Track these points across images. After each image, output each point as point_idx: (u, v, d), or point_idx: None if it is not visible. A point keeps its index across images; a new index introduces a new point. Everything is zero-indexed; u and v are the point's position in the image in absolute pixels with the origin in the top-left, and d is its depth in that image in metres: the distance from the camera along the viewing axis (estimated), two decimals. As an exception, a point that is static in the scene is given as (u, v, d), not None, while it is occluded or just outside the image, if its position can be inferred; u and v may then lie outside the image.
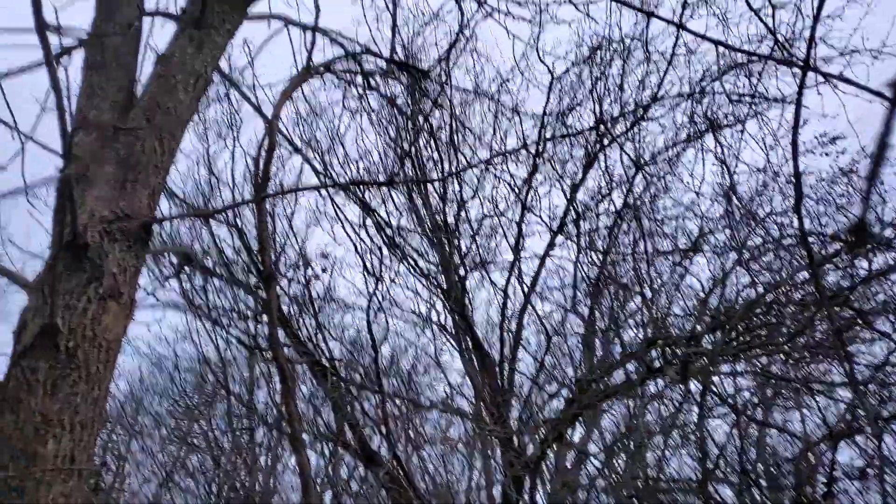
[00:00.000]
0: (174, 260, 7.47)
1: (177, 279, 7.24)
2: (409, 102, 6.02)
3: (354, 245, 8.01)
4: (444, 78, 6.12)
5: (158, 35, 3.54)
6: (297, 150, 7.20)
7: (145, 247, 2.52)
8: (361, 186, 7.42)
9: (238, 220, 7.24)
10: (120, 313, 2.36)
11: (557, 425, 7.36)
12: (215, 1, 3.03)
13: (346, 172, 7.82)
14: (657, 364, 7.00)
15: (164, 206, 7.81)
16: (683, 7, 5.60)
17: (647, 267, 7.63)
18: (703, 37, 3.71)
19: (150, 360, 12.81)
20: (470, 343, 8.82)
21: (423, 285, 9.10)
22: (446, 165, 7.85)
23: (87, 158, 2.44)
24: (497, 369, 8.62)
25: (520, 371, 8.84)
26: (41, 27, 2.10)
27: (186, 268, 6.72)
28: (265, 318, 7.93)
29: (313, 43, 3.87)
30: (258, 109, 4.24)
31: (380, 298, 8.03)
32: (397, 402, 8.83)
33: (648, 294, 7.74)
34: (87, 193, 2.45)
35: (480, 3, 5.41)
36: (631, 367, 7.76)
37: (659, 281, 7.98)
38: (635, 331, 8.60)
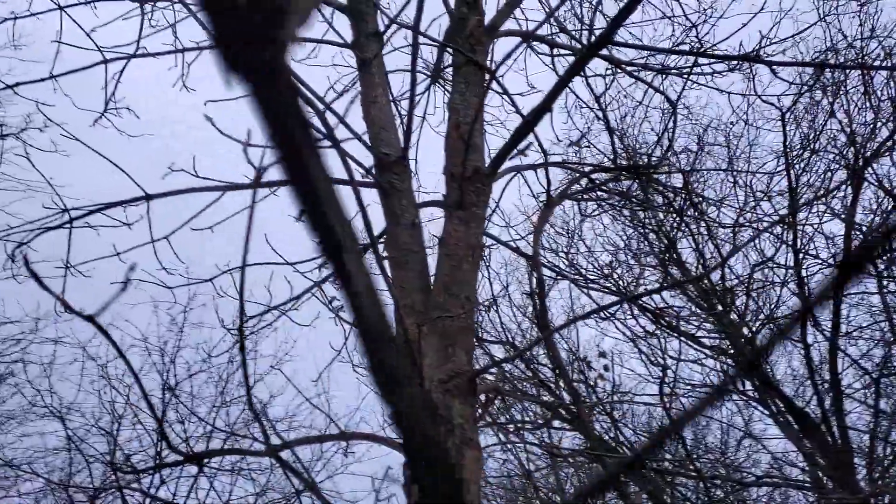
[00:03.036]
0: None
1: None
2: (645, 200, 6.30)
3: (632, 339, 8.21)
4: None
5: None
6: (562, 275, 7.77)
7: (475, 396, 3.10)
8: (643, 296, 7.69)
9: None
10: (476, 456, 2.91)
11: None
12: (469, 183, 3.73)
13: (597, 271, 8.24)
14: None
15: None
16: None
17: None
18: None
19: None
20: (781, 405, 8.25)
21: (710, 356, 8.85)
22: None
23: (415, 336, 3.13)
24: (823, 427, 7.90)
25: (851, 426, 7.98)
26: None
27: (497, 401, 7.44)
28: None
29: (548, 179, 4.43)
30: (517, 251, 4.88)
31: (669, 383, 8.00)
32: (717, 482, 8.44)
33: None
34: (421, 364, 3.12)
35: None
36: None
37: None
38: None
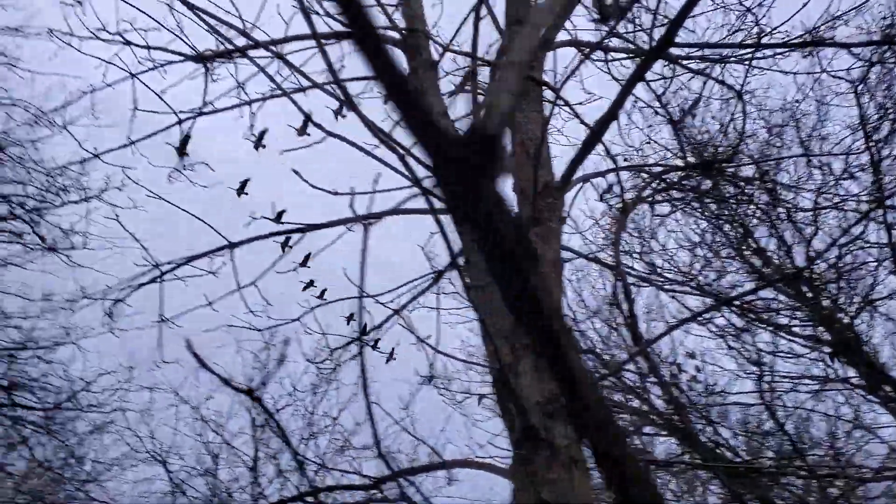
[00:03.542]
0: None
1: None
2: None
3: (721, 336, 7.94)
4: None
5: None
6: (646, 280, 7.63)
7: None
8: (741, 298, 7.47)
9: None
10: (584, 476, 2.88)
11: None
12: (541, 198, 3.73)
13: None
14: None
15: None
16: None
17: None
18: None
19: None
20: (891, 390, 7.79)
21: (806, 346, 8.47)
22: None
23: (509, 359, 3.13)
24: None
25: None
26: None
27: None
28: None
29: (621, 186, 4.37)
30: (598, 261, 4.84)
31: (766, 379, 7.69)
32: (830, 479, 8.00)
33: None
34: (519, 385, 3.11)
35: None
36: None
37: None
38: None
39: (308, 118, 4.32)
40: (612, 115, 3.67)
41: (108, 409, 10.62)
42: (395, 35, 5.08)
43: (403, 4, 5.24)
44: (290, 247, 4.99)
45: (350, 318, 5.36)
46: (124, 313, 6.01)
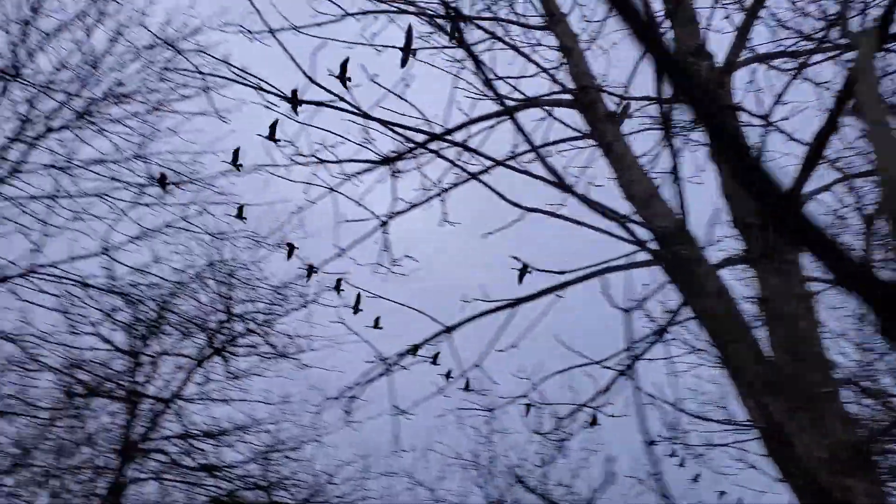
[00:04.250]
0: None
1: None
2: None
3: None
4: None
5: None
6: None
7: (871, 468, 2.68)
8: None
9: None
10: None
11: None
12: (775, 236, 3.43)
13: None
14: None
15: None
16: None
17: None
18: None
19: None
20: None
21: None
22: None
23: (782, 418, 2.83)
24: None
25: None
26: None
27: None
28: None
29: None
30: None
31: None
32: None
33: None
34: (798, 442, 2.80)
35: None
36: None
37: None
38: None
39: (503, 198, 4.39)
40: (831, 126, 3.32)
41: (351, 499, 11.27)
42: (567, 97, 5.11)
43: (568, 63, 5.26)
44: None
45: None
46: (358, 407, 6.42)
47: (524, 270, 4.82)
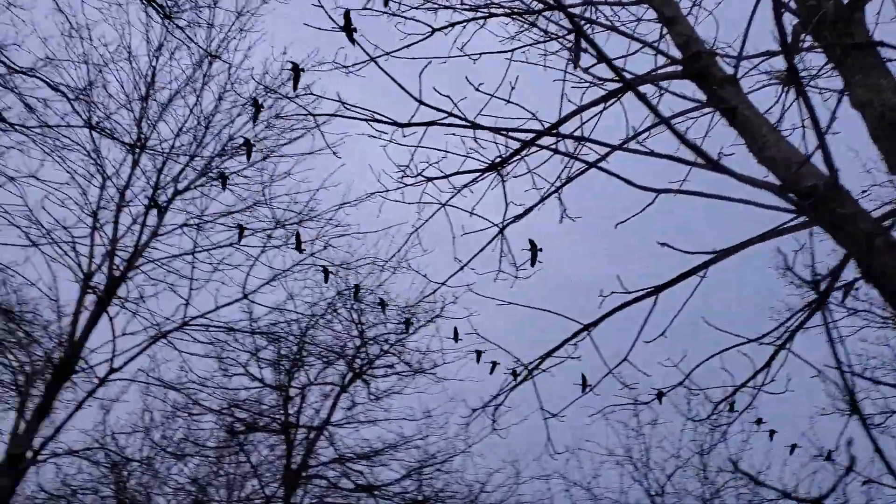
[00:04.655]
0: None
1: None
2: None
3: None
4: None
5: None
6: None
7: None
8: None
9: None
10: None
11: None
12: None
13: None
14: None
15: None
16: None
17: None
18: None
19: None
20: None
21: None
22: None
23: None
24: None
25: None
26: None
27: None
28: None
29: None
30: None
31: None
32: None
33: None
34: None
35: None
36: None
37: None
38: None
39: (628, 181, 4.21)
40: None
41: (507, 505, 11.28)
42: (677, 68, 4.84)
43: (672, 33, 4.99)
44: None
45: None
46: (502, 414, 6.39)
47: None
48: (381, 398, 11.59)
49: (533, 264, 5.41)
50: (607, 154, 4.69)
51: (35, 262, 9.62)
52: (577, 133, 5.25)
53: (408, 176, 6.48)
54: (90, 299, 9.57)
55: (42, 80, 6.74)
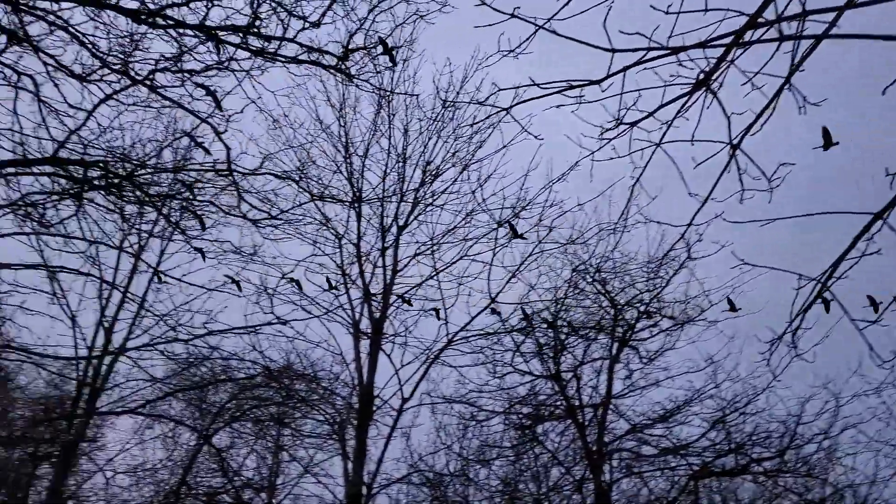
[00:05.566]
0: None
1: None
2: None
3: None
4: None
5: None
6: None
7: None
8: None
9: None
10: None
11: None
12: None
13: None
14: None
15: None
16: None
17: None
18: None
19: None
20: None
21: None
22: None
23: None
24: None
25: None
26: None
27: None
28: None
29: None
30: None
31: None
32: None
33: None
34: None
35: None
36: None
37: None
38: None
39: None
40: None
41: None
42: None
43: None
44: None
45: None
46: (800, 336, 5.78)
47: None
48: (653, 360, 11.21)
49: (826, 148, 4.84)
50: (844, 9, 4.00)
51: (312, 325, 10.83)
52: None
53: (609, 129, 6.17)
54: (364, 344, 10.53)
55: (271, 174, 7.44)
